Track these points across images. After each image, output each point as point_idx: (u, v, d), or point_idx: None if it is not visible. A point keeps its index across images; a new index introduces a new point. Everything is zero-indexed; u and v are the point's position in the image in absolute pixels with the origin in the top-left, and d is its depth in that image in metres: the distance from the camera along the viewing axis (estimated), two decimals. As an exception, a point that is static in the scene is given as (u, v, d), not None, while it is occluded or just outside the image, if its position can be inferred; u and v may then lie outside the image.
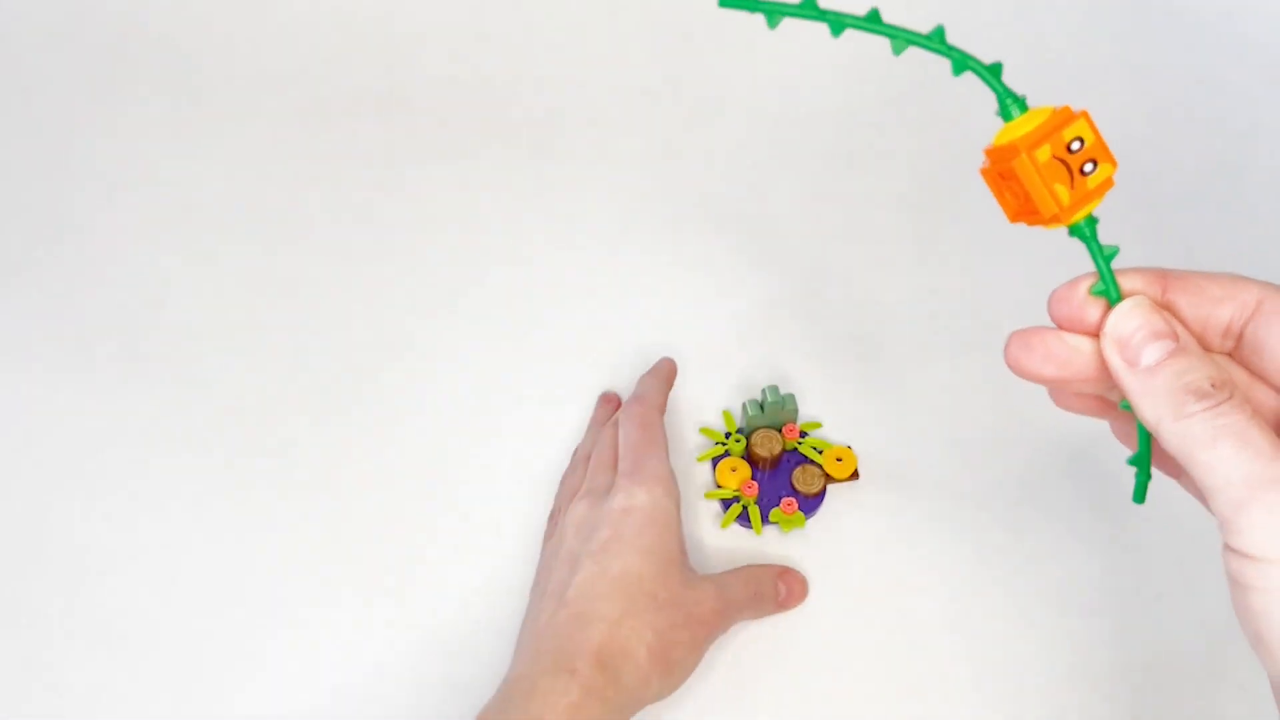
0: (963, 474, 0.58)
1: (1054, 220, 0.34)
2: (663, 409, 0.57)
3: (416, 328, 0.64)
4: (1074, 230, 0.35)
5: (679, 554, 0.49)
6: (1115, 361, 0.35)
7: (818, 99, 0.78)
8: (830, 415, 0.60)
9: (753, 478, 0.57)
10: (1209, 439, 0.32)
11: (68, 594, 0.53)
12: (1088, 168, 0.33)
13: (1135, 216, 0.69)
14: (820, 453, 0.58)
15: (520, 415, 0.60)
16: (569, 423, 0.60)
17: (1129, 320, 0.35)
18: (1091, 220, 0.34)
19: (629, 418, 0.55)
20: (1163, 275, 0.36)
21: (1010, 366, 0.37)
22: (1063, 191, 0.33)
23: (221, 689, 0.50)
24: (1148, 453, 0.37)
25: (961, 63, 0.33)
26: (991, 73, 0.33)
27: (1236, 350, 0.36)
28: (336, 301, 0.66)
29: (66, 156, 0.74)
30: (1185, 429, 0.33)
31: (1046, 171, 0.33)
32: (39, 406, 0.60)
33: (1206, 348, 0.36)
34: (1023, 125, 0.33)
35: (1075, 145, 0.33)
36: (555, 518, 0.55)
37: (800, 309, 0.66)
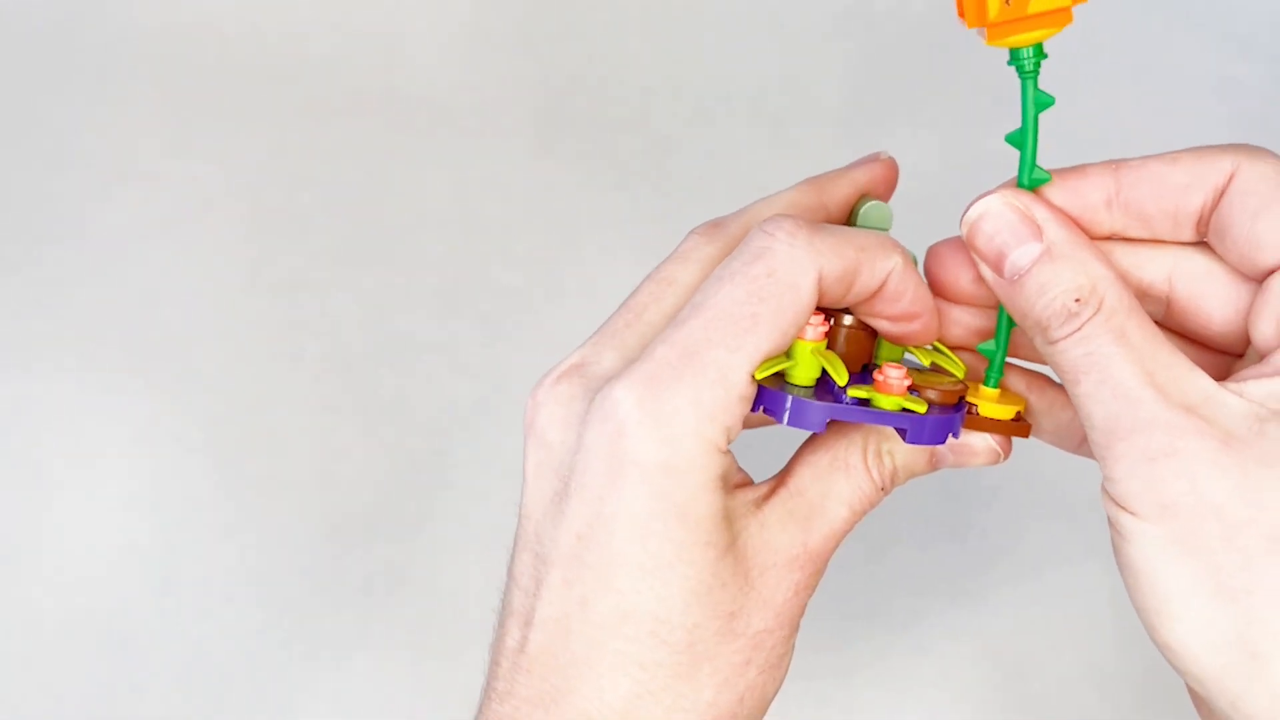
0: (962, 474, 0.58)
1: (977, 20, 0.28)
2: (826, 257, 0.31)
3: (416, 328, 0.64)
4: (1014, 57, 0.29)
5: (714, 550, 0.29)
6: (983, 269, 0.30)
7: (819, 98, 0.78)
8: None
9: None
10: (1073, 372, 0.28)
11: (67, 594, 0.53)
12: None
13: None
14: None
15: (519, 416, 0.60)
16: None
17: (985, 224, 0.29)
18: (1039, 51, 0.29)
19: (746, 256, 0.31)
20: (1114, 168, 0.30)
21: (931, 285, 0.32)
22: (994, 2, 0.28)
23: (220, 689, 0.50)
24: (1004, 345, 0.32)
25: None
26: None
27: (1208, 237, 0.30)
28: (335, 301, 0.66)
29: (65, 155, 0.74)
30: (1054, 356, 0.29)
31: None
32: (39, 406, 0.60)
33: (1182, 242, 0.31)
34: None
35: None
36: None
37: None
